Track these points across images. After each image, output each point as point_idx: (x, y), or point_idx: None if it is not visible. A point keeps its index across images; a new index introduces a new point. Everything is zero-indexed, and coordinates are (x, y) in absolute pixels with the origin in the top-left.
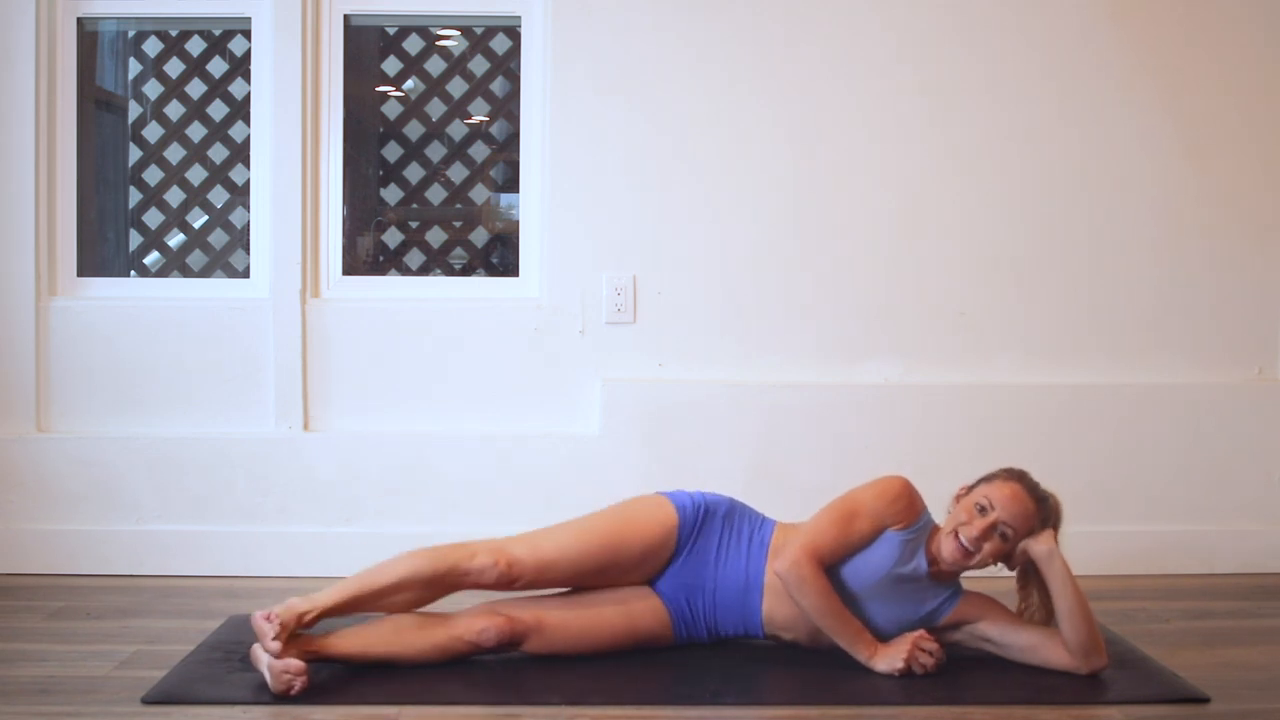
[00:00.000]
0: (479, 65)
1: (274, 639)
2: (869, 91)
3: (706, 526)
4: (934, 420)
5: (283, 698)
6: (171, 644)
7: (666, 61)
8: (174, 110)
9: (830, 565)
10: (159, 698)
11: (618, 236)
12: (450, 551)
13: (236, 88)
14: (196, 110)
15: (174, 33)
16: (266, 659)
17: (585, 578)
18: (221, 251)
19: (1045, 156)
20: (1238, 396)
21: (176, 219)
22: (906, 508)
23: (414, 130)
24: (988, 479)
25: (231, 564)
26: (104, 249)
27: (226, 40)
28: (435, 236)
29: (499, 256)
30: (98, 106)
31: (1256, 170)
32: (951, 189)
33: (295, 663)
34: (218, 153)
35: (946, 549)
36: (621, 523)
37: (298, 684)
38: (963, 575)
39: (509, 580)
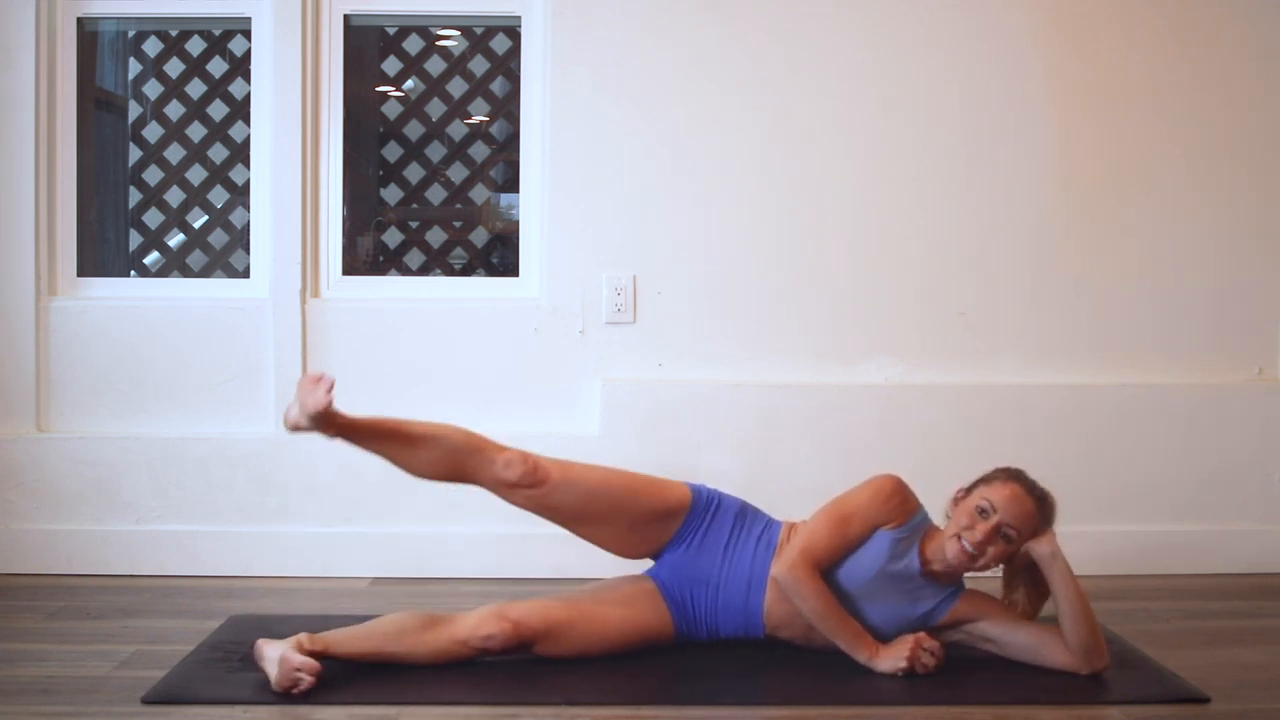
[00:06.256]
0: (479, 65)
1: (327, 392)
2: (868, 93)
3: (718, 519)
4: (934, 420)
5: (283, 697)
6: (171, 644)
7: (667, 62)
8: (174, 110)
9: (827, 568)
10: (159, 698)
11: (618, 236)
12: (485, 440)
13: (236, 88)
14: (196, 110)
15: (174, 33)
16: (271, 654)
17: (593, 516)
18: (221, 251)
19: (1044, 157)
20: (1238, 396)
21: (176, 219)
22: (899, 506)
23: (414, 130)
24: (986, 480)
25: (231, 564)
26: (104, 249)
27: (226, 40)
28: (435, 236)
29: (499, 256)
30: (98, 106)
31: (1256, 170)
32: (951, 190)
33: (311, 662)
34: (218, 153)
35: (950, 553)
36: (643, 480)
37: (304, 682)
38: (963, 575)
39: (529, 482)
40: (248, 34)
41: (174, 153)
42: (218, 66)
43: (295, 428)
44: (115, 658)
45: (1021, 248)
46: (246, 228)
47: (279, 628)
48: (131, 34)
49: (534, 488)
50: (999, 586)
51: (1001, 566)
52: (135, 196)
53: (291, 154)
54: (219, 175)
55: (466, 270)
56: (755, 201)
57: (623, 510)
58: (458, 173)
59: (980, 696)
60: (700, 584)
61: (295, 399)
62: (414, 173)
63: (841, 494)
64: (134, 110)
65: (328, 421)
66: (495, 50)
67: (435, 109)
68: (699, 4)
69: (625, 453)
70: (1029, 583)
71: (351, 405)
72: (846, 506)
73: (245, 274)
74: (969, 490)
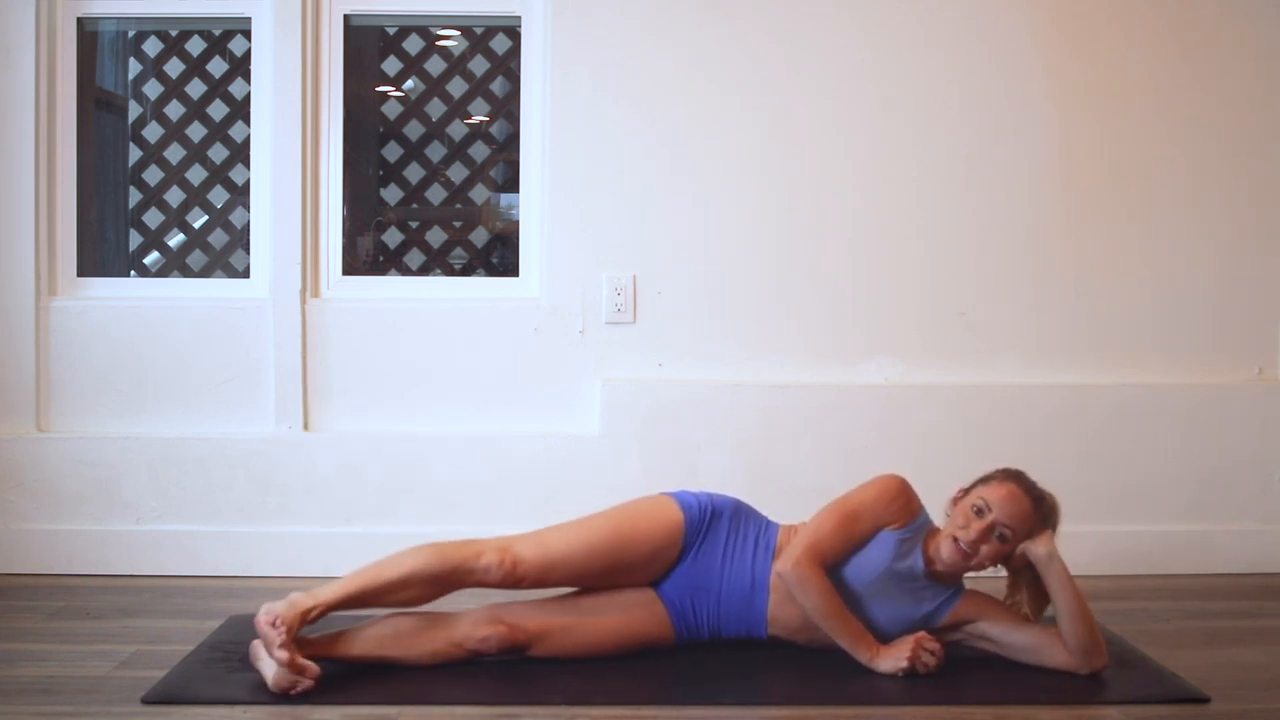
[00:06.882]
0: (479, 65)
1: (281, 646)
2: (868, 93)
3: (713, 528)
4: (934, 420)
5: (282, 698)
6: (171, 644)
7: (667, 62)
8: (174, 110)
9: (831, 566)
10: (159, 698)
11: (618, 236)
12: (456, 550)
13: (236, 88)
14: (196, 110)
15: (174, 33)
16: (266, 657)
17: (590, 578)
18: (221, 251)
19: (1044, 157)
20: (1238, 396)
21: (176, 219)
22: (904, 507)
23: (414, 130)
24: (984, 480)
25: (231, 564)
26: (104, 249)
27: (226, 40)
28: (435, 236)
29: (499, 256)
30: (98, 106)
31: (1256, 170)
32: (951, 190)
33: (313, 667)
34: (218, 153)
35: (945, 551)
36: (628, 523)
37: (303, 685)
38: (963, 575)
39: (514, 580)
40: (248, 34)
41: (174, 153)
42: (218, 66)
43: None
44: (115, 658)
45: (1021, 248)
46: (246, 228)
47: None
48: (131, 34)
49: (519, 583)
50: (1001, 587)
51: (1001, 566)
52: (135, 196)
53: (291, 154)
54: (219, 175)
55: (466, 270)
56: (755, 201)
57: (619, 566)
58: (458, 173)
59: (980, 696)
60: (701, 591)
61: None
62: (414, 173)
63: (846, 493)
64: (134, 110)
65: (308, 622)
66: (495, 50)
67: (435, 109)
68: (699, 4)
69: (625, 453)
70: (1031, 584)
71: (351, 405)
72: (852, 505)
73: (245, 274)
74: (967, 490)
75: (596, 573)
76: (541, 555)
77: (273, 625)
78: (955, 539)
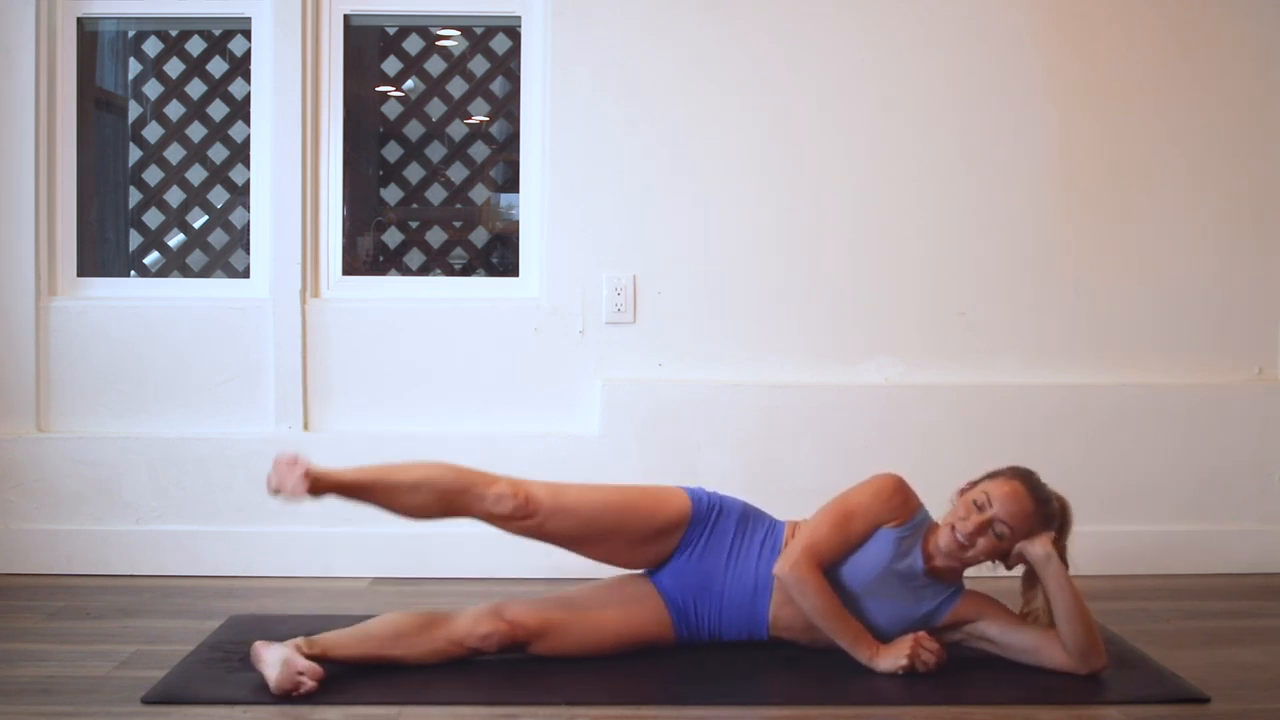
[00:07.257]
0: (479, 65)
1: (301, 477)
2: (868, 93)
3: (719, 525)
4: (934, 420)
5: (282, 698)
6: (171, 644)
7: (667, 62)
8: (174, 110)
9: (829, 566)
10: (159, 698)
11: (618, 236)
12: (473, 474)
13: (236, 88)
14: (196, 110)
15: (174, 33)
16: (270, 656)
17: (591, 538)
18: (221, 251)
19: (1044, 157)
20: (1238, 396)
21: (176, 219)
22: (901, 505)
23: (414, 130)
24: (992, 475)
25: (231, 564)
26: (104, 249)
27: (226, 40)
28: (435, 236)
29: (499, 256)
30: (98, 106)
31: (1256, 170)
32: (951, 190)
33: (316, 667)
34: (218, 153)
35: (943, 540)
36: (639, 496)
37: (306, 686)
38: (965, 574)
39: (522, 514)
40: (248, 34)
41: (174, 153)
42: (218, 66)
43: (278, 493)
44: (115, 658)
45: (1021, 248)
46: (246, 228)
47: (279, 628)
48: (131, 34)
49: (527, 519)
50: (1002, 587)
51: (1002, 566)
52: (135, 196)
53: (291, 154)
54: (219, 175)
55: (466, 270)
56: (755, 201)
57: (622, 531)
58: (458, 173)
59: (980, 696)
60: (704, 591)
61: (274, 472)
62: (414, 173)
63: (843, 492)
64: (134, 110)
65: (312, 491)
66: (495, 50)
67: (435, 109)
68: (699, 4)
69: (625, 453)
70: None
71: (351, 405)
72: (848, 504)
73: (245, 274)
74: (974, 484)
75: (599, 532)
76: (553, 498)
77: (293, 462)
78: (953, 527)
